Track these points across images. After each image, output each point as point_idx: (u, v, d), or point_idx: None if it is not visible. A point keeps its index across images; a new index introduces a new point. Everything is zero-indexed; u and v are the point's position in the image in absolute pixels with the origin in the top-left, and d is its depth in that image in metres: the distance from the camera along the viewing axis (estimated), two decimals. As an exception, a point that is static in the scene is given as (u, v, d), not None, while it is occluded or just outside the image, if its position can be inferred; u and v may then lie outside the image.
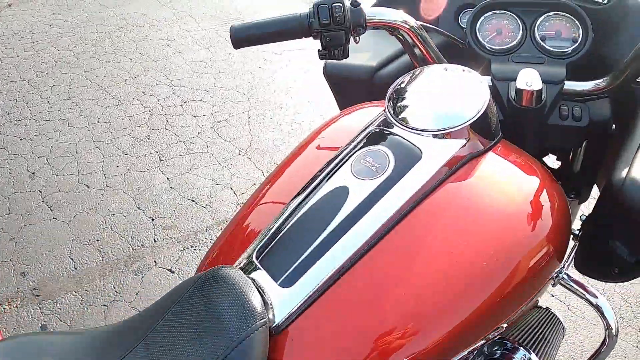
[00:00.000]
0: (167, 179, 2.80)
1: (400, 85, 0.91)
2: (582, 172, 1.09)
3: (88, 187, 2.80)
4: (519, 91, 0.93)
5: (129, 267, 2.32)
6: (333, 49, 0.93)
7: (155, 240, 2.44)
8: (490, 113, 0.84)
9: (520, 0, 1.10)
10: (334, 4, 0.89)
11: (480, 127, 0.82)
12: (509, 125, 0.95)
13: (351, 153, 0.84)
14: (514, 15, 1.09)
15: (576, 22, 1.05)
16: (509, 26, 1.09)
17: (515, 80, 0.95)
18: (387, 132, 0.84)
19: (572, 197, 1.13)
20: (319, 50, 0.94)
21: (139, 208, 2.62)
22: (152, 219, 2.55)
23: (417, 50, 1.04)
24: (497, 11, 1.11)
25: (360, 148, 0.84)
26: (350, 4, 0.92)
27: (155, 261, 2.34)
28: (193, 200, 2.64)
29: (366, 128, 0.89)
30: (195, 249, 2.38)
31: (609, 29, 1.13)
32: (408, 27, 0.98)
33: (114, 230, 2.51)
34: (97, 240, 2.46)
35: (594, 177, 1.09)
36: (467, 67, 0.91)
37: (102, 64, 4.13)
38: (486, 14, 1.11)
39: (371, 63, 1.19)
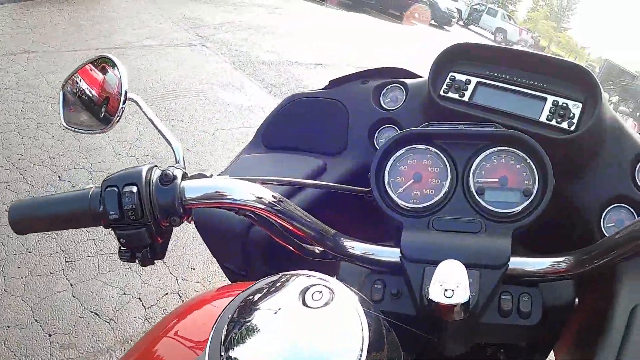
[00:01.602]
0: (71, 285, 2.61)
1: (235, 316, 0.51)
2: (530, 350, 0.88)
3: (-18, 293, 2.56)
4: (432, 302, 0.63)
5: (14, 397, 2.09)
6: (136, 251, 0.66)
7: (49, 363, 2.22)
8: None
9: (450, 130, 0.86)
10: (125, 189, 0.63)
11: None
12: (423, 319, 0.71)
13: None
14: (440, 153, 0.85)
15: (531, 163, 0.80)
16: (433, 170, 0.84)
17: (433, 263, 0.68)
18: None
19: None
20: (119, 249, 0.66)
21: (36, 320, 2.41)
22: (50, 335, 2.34)
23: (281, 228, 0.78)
24: (417, 145, 0.86)
25: None
26: (159, 180, 0.65)
27: (45, 390, 2.12)
28: (96, 314, 2.45)
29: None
30: (91, 375, 2.18)
31: (577, 165, 0.98)
32: (263, 207, 0.69)
33: (6, 346, 2.28)
34: (-17, 361, 2.23)
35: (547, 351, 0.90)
36: (339, 283, 0.54)
37: (22, 140, 3.93)
38: (400, 151, 0.86)
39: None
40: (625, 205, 0.92)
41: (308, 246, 0.82)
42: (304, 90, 1.40)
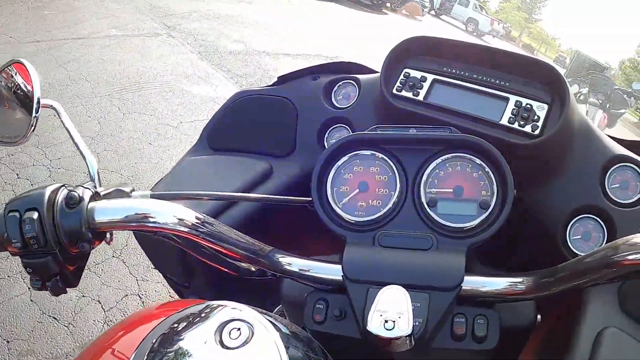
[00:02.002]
0: (28, 288, 2.53)
1: (156, 345, 0.50)
2: None
3: None
4: (371, 333, 0.59)
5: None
6: (45, 280, 0.60)
7: (4, 369, 2.16)
8: None
9: (399, 135, 0.79)
10: (26, 214, 0.57)
11: None
12: (369, 343, 0.62)
13: None
14: (388, 159, 0.78)
15: (489, 171, 0.74)
16: (380, 178, 0.78)
17: (377, 284, 0.65)
18: None
19: None
20: (30, 277, 0.60)
21: (-9, 325, 2.33)
22: (8, 342, 2.27)
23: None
24: (363, 151, 0.80)
25: None
26: (65, 202, 0.59)
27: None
28: (54, 318, 2.38)
29: None
30: (47, 381, 2.13)
31: (541, 172, 0.92)
32: (186, 230, 0.64)
33: (-40, 354, 2.20)
34: None
35: None
36: (261, 318, 0.52)
37: (-25, 135, 3.77)
38: (344, 157, 0.80)
39: (202, 211, 0.88)
40: (592, 216, 0.88)
41: (244, 264, 0.78)
42: (256, 86, 1.31)
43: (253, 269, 0.79)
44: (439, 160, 0.76)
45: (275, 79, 1.26)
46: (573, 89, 1.06)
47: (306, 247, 0.90)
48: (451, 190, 0.74)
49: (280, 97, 1.21)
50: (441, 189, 0.75)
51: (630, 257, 0.53)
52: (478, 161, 0.74)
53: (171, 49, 6.34)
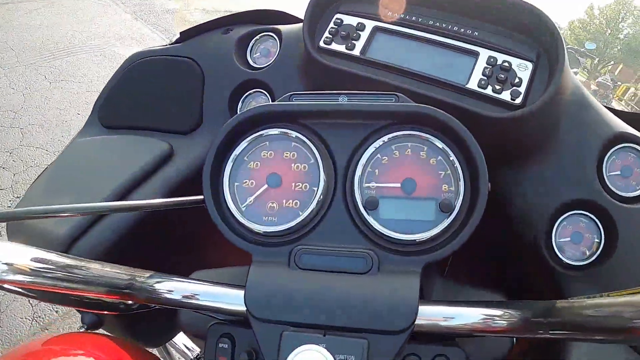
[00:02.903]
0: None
1: None
2: None
3: None
4: None
5: None
6: None
7: None
8: None
9: (323, 105, 0.59)
10: None
11: None
12: None
13: None
14: (309, 141, 0.58)
15: (453, 157, 0.55)
16: (298, 168, 0.59)
17: (294, 325, 0.50)
18: None
19: None
20: None
21: None
22: None
23: None
24: (273, 130, 0.60)
25: None
26: None
27: None
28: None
29: None
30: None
31: (520, 156, 0.73)
32: (14, 279, 0.51)
33: None
34: None
35: None
36: None
37: None
38: (247, 139, 0.60)
39: (62, 229, 0.72)
40: (585, 213, 0.71)
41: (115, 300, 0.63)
42: (158, 45, 1.07)
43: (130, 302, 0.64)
44: (381, 141, 0.56)
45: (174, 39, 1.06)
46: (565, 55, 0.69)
47: (219, 251, 0.74)
48: (399, 185, 0.55)
49: (182, 57, 0.99)
50: (384, 183, 0.56)
51: None
52: (438, 143, 0.55)
53: (104, 10, 6.06)
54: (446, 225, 0.52)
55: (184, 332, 0.71)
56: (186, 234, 0.89)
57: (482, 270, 0.89)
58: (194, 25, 1.01)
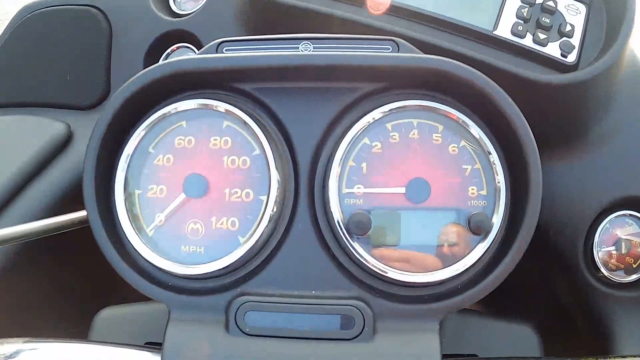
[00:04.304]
0: None
1: None
2: None
3: None
4: None
5: None
6: None
7: None
8: None
9: (277, 58, 0.39)
10: None
11: None
12: None
13: None
14: (252, 118, 0.40)
15: (486, 141, 0.39)
16: (238, 165, 0.40)
17: None
18: None
19: None
20: None
21: None
22: None
23: None
24: (200, 101, 0.41)
25: None
26: None
27: None
28: None
29: None
30: None
31: (565, 138, 0.54)
32: None
33: None
34: None
35: None
36: None
37: None
38: (151, 118, 0.41)
39: None
40: (635, 213, 0.56)
41: None
42: None
43: None
44: (371, 117, 0.38)
45: None
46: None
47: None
48: (402, 189, 0.37)
49: (83, 5, 0.76)
50: (378, 187, 0.38)
51: None
52: (463, 119, 0.38)
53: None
54: (481, 253, 0.35)
55: None
56: (91, 254, 0.68)
57: (507, 291, 0.72)
58: None
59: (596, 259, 0.54)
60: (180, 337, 0.35)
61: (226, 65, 0.37)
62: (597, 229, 0.54)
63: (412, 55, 0.37)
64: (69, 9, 0.76)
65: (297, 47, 0.38)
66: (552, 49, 0.50)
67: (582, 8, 0.50)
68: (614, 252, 0.54)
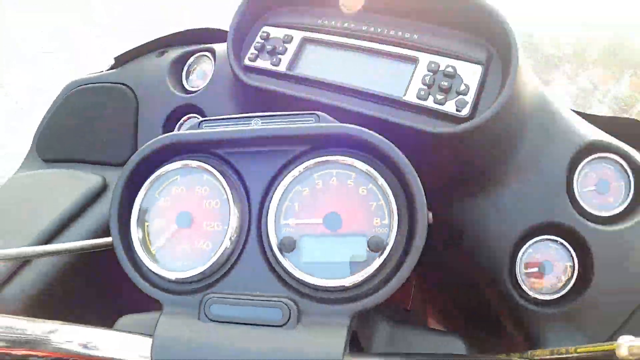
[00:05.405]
0: None
1: None
2: None
3: None
4: None
5: None
6: None
7: None
8: None
9: (233, 132, 0.53)
10: None
11: None
12: None
13: None
14: (220, 174, 0.53)
15: (384, 185, 0.48)
16: (210, 205, 0.54)
17: None
18: None
19: None
20: None
21: None
22: None
23: None
24: (183, 162, 0.54)
25: None
26: None
27: None
28: None
29: None
30: None
31: (473, 176, 0.64)
32: None
33: None
34: None
35: None
36: None
37: None
38: (156, 173, 0.55)
39: None
40: (555, 238, 0.63)
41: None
42: (95, 72, 1.03)
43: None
44: (298, 170, 0.50)
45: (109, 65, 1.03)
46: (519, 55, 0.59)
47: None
48: (320, 220, 0.48)
49: (116, 83, 0.94)
50: (304, 219, 0.49)
51: None
52: (365, 167, 0.48)
53: None
54: (377, 266, 0.45)
55: None
56: (115, 275, 0.86)
57: (447, 301, 0.79)
58: (128, 49, 0.97)
59: (519, 279, 0.62)
60: (168, 325, 0.49)
61: (203, 138, 0.53)
62: (519, 253, 0.63)
63: (325, 125, 0.50)
64: (105, 86, 0.97)
65: (250, 123, 0.52)
66: (449, 106, 0.61)
67: (479, 69, 0.61)
68: (537, 272, 0.62)
